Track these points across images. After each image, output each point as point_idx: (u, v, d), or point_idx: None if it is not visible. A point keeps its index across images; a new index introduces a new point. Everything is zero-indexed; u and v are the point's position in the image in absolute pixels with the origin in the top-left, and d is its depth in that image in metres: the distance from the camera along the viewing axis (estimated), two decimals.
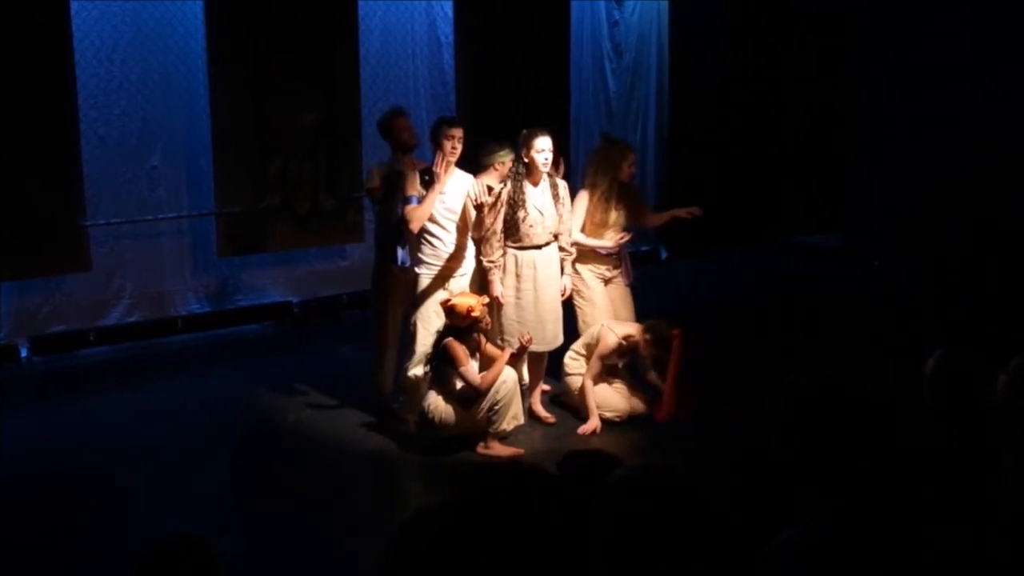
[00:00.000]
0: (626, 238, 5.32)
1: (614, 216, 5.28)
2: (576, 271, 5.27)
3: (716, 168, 9.07)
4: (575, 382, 5.16)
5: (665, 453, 4.71)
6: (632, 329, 5.07)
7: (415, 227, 4.74)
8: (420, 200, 4.74)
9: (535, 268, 4.98)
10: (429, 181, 4.73)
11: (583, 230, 5.22)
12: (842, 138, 9.06)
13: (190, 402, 5.49)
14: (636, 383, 5.24)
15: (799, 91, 9.40)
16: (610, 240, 5.26)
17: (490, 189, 4.85)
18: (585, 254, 5.31)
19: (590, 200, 5.23)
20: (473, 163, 5.15)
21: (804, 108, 9.44)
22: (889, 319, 6.64)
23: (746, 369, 5.69)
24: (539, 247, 4.98)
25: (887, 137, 8.41)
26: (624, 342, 5.02)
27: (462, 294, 4.78)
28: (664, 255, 9.01)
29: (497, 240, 4.89)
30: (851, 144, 8.88)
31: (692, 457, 4.31)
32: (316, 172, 6.84)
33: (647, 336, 4.96)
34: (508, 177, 4.91)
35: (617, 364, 5.20)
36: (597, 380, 5.09)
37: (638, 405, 5.13)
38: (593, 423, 5.00)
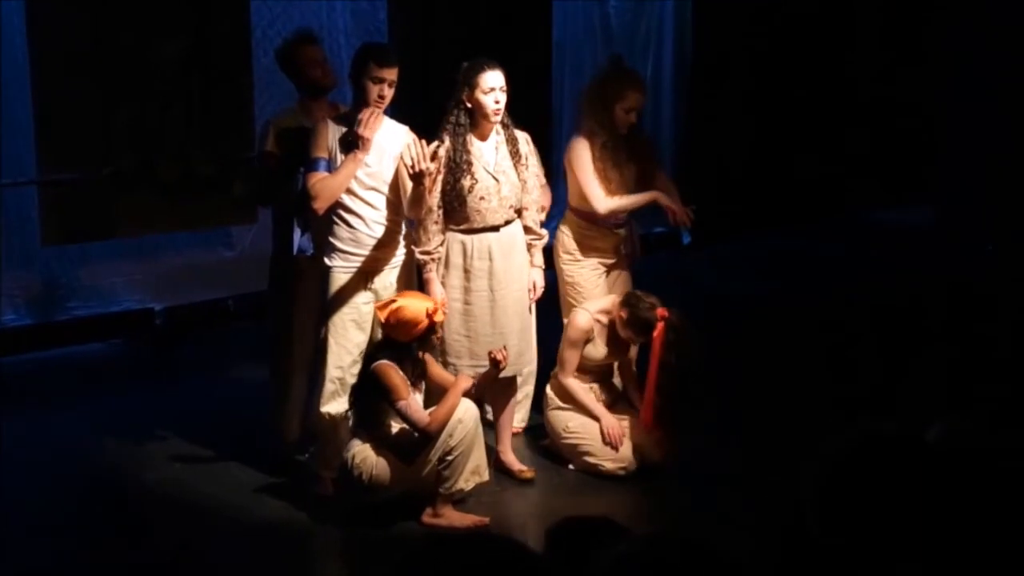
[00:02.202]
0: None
1: (625, 175, 5.37)
2: (577, 259, 5.42)
3: (756, 115, 9.13)
4: (560, 419, 5.25)
5: (685, 517, 4.75)
6: (610, 303, 5.24)
7: (320, 205, 4.75)
8: (331, 167, 4.75)
9: (491, 259, 5.01)
10: (352, 142, 4.73)
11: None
12: (935, 74, 9.14)
13: (6, 455, 5.41)
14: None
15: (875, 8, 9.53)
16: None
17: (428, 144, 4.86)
18: (590, 237, 5.42)
19: (591, 152, 5.29)
20: (415, 110, 5.15)
21: (882, 33, 9.53)
22: (1004, 331, 6.74)
23: (794, 397, 5.79)
24: (495, 228, 5.02)
25: (994, 71, 8.49)
26: (601, 319, 5.18)
27: (407, 293, 4.79)
28: (686, 239, 9.14)
29: (433, 221, 4.91)
30: (945, 82, 8.96)
31: (722, 523, 4.38)
32: (187, 124, 6.86)
33: (623, 313, 5.09)
34: (445, 132, 4.94)
35: (607, 369, 5.33)
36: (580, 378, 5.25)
37: (651, 450, 5.18)
38: (609, 420, 5.15)
